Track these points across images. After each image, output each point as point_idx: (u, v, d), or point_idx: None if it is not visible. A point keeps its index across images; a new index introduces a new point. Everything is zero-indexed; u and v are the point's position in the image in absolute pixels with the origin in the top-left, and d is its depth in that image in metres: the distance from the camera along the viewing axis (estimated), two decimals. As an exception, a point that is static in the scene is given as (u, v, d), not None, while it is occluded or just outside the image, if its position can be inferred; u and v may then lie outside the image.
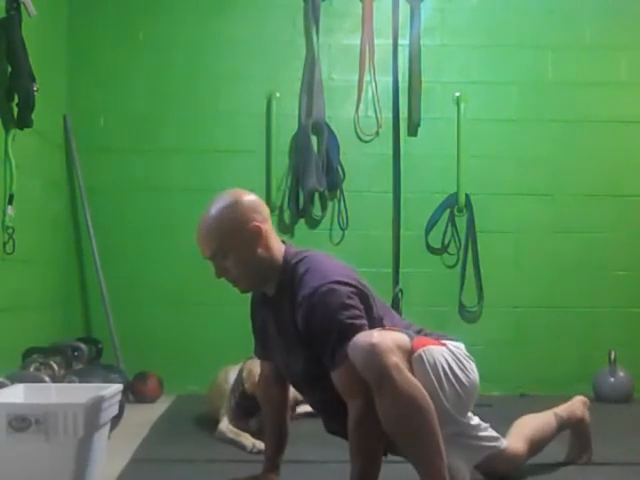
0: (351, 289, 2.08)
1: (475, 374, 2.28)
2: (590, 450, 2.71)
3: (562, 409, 2.67)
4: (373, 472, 2.05)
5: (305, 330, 2.09)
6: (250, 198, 2.22)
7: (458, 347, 2.28)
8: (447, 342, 2.25)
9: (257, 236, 2.15)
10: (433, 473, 1.96)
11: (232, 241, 2.16)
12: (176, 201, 4.50)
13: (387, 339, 1.99)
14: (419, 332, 2.24)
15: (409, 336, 2.11)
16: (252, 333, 2.42)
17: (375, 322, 2.13)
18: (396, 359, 1.96)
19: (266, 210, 2.23)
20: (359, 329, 2.02)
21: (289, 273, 2.16)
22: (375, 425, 2.00)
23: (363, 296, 2.12)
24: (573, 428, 2.70)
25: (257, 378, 2.91)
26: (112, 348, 4.25)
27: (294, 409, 3.35)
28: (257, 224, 2.15)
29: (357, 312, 2.06)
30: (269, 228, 2.20)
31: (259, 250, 2.16)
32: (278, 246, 2.21)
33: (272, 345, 2.32)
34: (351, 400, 2.04)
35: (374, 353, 1.93)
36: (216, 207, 2.20)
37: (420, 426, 1.95)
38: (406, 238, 4.51)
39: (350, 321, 2.03)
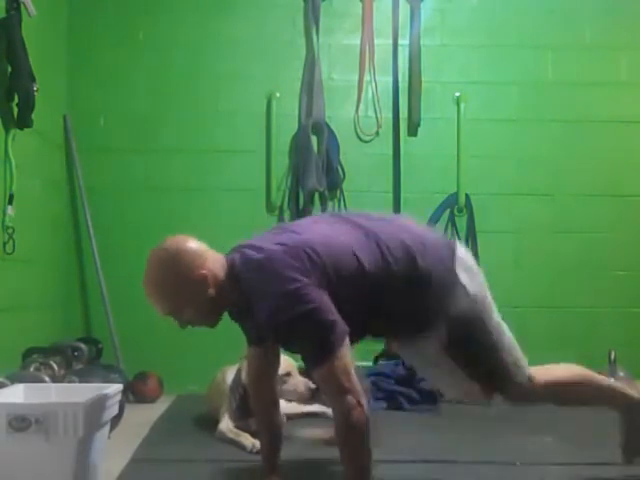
0: (305, 288, 2.06)
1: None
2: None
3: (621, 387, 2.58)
4: (366, 473, 2.07)
5: (282, 341, 2.17)
6: (185, 247, 2.17)
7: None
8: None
9: (204, 282, 2.14)
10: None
11: (183, 297, 2.15)
12: (176, 201, 4.50)
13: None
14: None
15: None
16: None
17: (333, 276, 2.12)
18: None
19: (201, 248, 2.18)
20: (327, 329, 2.04)
21: (238, 285, 2.16)
22: (362, 424, 2.03)
23: (314, 276, 2.09)
24: (625, 413, 2.55)
25: None
26: (112, 348, 4.25)
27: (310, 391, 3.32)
28: (201, 272, 2.13)
29: (320, 310, 2.05)
30: (208, 259, 2.16)
31: (210, 291, 2.15)
32: (221, 269, 2.18)
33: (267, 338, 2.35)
34: (335, 401, 2.06)
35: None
36: (156, 269, 2.16)
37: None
38: (406, 238, 4.50)
39: (319, 326, 2.04)
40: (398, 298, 2.22)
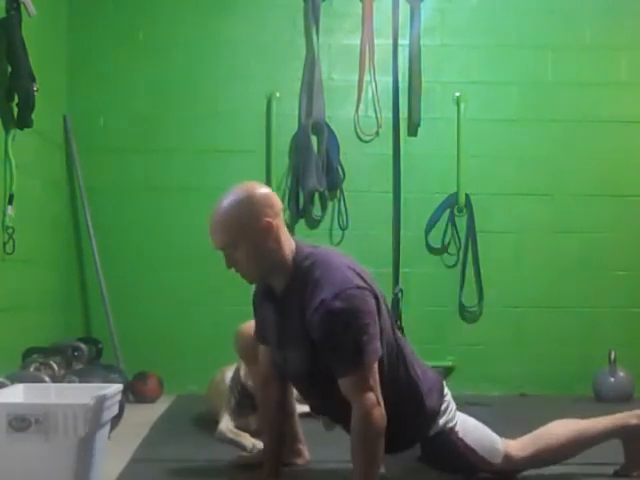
0: (368, 292, 2.10)
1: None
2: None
3: (610, 418, 2.53)
4: (375, 473, 2.07)
5: (317, 334, 2.09)
6: (263, 192, 2.22)
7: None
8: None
9: (268, 231, 2.16)
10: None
11: (243, 234, 2.16)
12: (176, 201, 4.50)
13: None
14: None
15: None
16: (255, 320, 2.43)
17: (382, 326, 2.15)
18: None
19: (278, 205, 2.23)
20: (373, 339, 2.05)
21: (301, 275, 2.16)
22: (381, 419, 2.03)
23: (376, 299, 2.14)
24: (626, 438, 2.53)
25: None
26: (112, 348, 4.25)
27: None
28: (269, 219, 2.16)
29: (373, 318, 2.08)
30: (280, 223, 2.21)
31: (269, 245, 2.17)
32: (289, 243, 2.22)
33: (269, 337, 2.34)
34: (355, 401, 2.05)
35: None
36: (229, 199, 2.19)
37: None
38: (406, 238, 4.50)
39: (367, 330, 2.05)
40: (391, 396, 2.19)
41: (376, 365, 2.07)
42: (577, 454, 2.49)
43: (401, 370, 2.23)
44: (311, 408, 2.54)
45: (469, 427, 2.34)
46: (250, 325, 2.52)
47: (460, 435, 2.29)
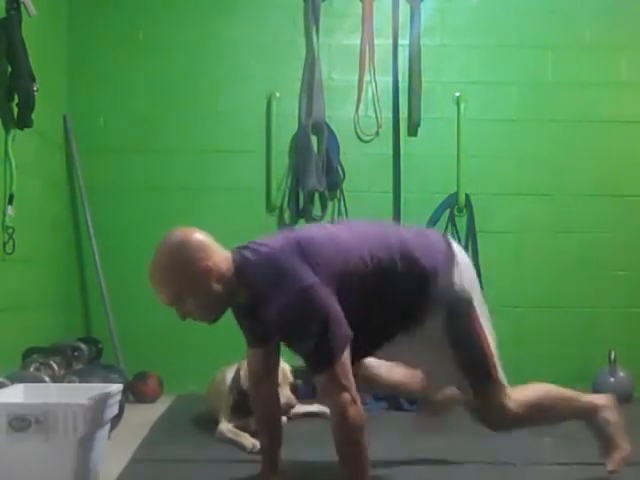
0: (314, 289, 2.09)
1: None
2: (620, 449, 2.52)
3: (586, 396, 2.59)
4: (363, 472, 2.08)
5: (287, 340, 2.17)
6: (191, 238, 2.23)
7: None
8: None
9: (208, 274, 2.17)
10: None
11: (186, 286, 2.18)
12: (176, 201, 4.49)
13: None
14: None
15: None
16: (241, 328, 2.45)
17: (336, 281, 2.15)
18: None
19: (207, 241, 2.23)
20: (335, 332, 2.07)
21: (245, 283, 2.19)
22: (358, 423, 2.04)
23: (322, 275, 2.13)
24: (589, 423, 2.57)
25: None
26: (112, 348, 4.25)
27: (289, 405, 3.34)
28: (205, 264, 2.16)
29: (327, 317, 2.08)
30: (215, 253, 2.20)
31: (214, 285, 2.18)
32: (227, 265, 2.21)
33: (260, 340, 2.38)
34: (331, 401, 2.09)
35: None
36: (162, 258, 2.20)
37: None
38: (406, 238, 4.50)
39: (323, 330, 2.07)
40: (390, 292, 2.25)
41: (348, 358, 2.08)
42: (558, 417, 2.56)
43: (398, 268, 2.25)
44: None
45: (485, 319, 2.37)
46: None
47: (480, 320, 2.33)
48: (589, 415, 2.53)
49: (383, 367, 2.61)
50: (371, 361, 2.56)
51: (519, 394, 2.42)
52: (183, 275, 2.16)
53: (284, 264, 2.14)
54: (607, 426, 2.51)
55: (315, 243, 2.19)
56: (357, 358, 2.27)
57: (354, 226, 2.41)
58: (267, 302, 2.13)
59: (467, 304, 2.32)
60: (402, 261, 2.26)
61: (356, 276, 2.19)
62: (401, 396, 3.56)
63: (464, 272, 2.35)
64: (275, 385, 2.48)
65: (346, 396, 2.05)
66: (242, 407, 3.09)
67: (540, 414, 2.46)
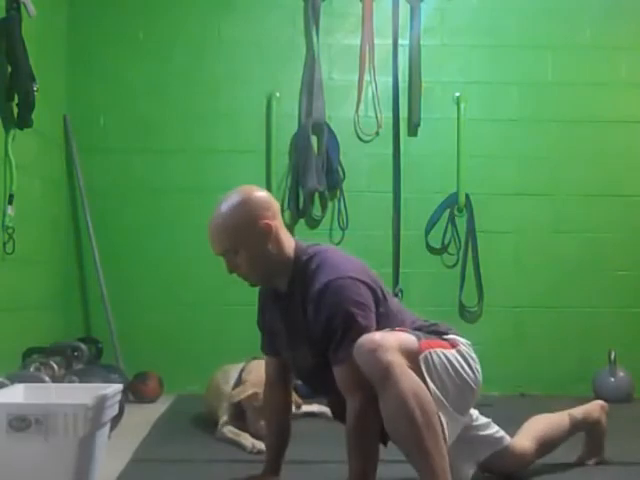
0: (362, 284, 2.11)
1: (479, 374, 2.29)
2: (602, 453, 2.71)
3: (578, 410, 2.66)
4: (371, 470, 2.07)
5: (314, 324, 2.12)
6: (260, 195, 2.24)
7: (466, 346, 2.28)
8: (456, 340, 2.25)
9: (267, 233, 2.17)
10: (435, 472, 1.95)
11: (243, 238, 2.17)
12: (176, 201, 4.50)
13: (391, 340, 2.01)
14: (428, 327, 2.26)
15: (417, 337, 2.12)
16: (259, 329, 2.43)
17: (383, 317, 2.15)
18: (399, 359, 1.98)
19: (276, 206, 2.25)
20: (366, 329, 2.05)
21: (300, 270, 2.19)
22: (374, 422, 2.03)
23: (373, 291, 2.15)
24: (588, 430, 2.70)
25: (248, 389, 2.95)
26: (112, 348, 4.25)
27: (299, 406, 3.36)
28: (267, 221, 2.17)
29: (366, 309, 2.09)
30: (279, 224, 2.22)
31: (269, 247, 2.18)
32: (288, 242, 2.23)
33: (279, 341, 2.34)
34: (350, 396, 2.06)
35: (378, 353, 1.96)
36: (227, 204, 2.21)
37: (423, 426, 1.95)
38: (406, 238, 4.51)
39: (358, 319, 2.06)
40: None
41: None
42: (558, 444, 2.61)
43: None
44: (332, 414, 2.52)
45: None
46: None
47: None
48: (588, 425, 2.66)
49: None
50: None
51: (522, 440, 2.50)
52: (244, 226, 2.16)
53: (336, 258, 2.17)
54: (602, 432, 2.67)
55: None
56: None
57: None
58: (308, 287, 2.12)
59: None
60: None
61: None
62: None
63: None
64: (288, 391, 2.47)
65: (366, 394, 2.03)
66: (239, 416, 3.10)
67: (546, 445, 2.55)
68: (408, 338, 2.09)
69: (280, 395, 2.44)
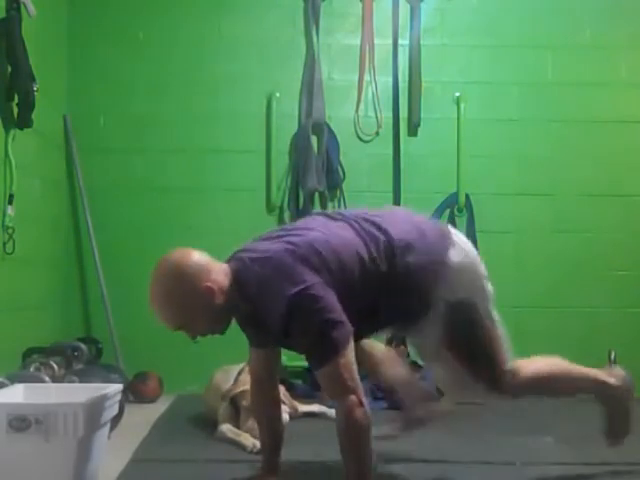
0: (314, 287, 2.09)
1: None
2: (617, 435, 2.59)
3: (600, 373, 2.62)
4: (367, 470, 2.08)
5: (285, 340, 2.17)
6: (188, 260, 2.19)
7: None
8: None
9: (211, 294, 2.15)
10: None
11: (192, 309, 2.17)
12: (176, 201, 4.50)
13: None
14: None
15: None
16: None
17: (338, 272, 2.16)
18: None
19: (205, 258, 2.21)
20: (334, 328, 2.06)
21: (241, 292, 2.18)
22: (364, 422, 2.05)
23: (322, 274, 2.13)
24: (604, 402, 2.59)
25: (240, 386, 2.97)
26: (112, 348, 4.25)
27: (296, 410, 3.37)
28: (207, 284, 2.15)
29: (333, 308, 2.09)
30: (212, 270, 2.18)
31: (217, 302, 2.17)
32: (226, 276, 2.19)
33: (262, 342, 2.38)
34: (338, 399, 2.08)
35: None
36: (162, 284, 2.19)
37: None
38: (406, 238, 4.50)
39: (330, 324, 2.07)
40: (391, 291, 2.25)
41: (351, 354, 2.08)
42: (565, 392, 2.64)
43: (397, 266, 2.25)
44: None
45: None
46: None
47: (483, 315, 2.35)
48: (599, 391, 2.59)
49: (386, 362, 2.63)
50: (377, 353, 2.58)
51: (529, 368, 2.50)
52: (186, 301, 2.15)
53: (281, 267, 2.13)
54: (614, 402, 2.57)
55: (313, 245, 2.18)
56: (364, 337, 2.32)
57: (349, 219, 2.33)
58: (267, 307, 2.12)
59: (467, 306, 2.32)
60: (400, 261, 2.26)
61: (356, 274, 2.19)
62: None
63: (463, 272, 2.34)
64: (276, 386, 2.48)
65: (352, 398, 2.05)
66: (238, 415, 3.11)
67: (548, 384, 2.53)
68: None
69: (268, 392, 2.45)
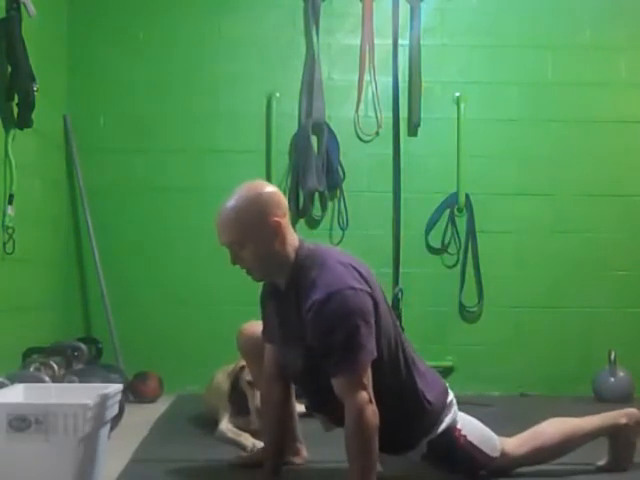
0: (363, 294, 2.10)
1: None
2: (622, 464, 2.56)
3: (600, 417, 2.57)
4: (372, 469, 2.07)
5: (311, 332, 2.11)
6: (271, 191, 2.25)
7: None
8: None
9: (276, 231, 2.18)
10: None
11: (251, 233, 2.18)
12: (176, 201, 4.50)
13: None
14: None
15: None
16: (261, 319, 2.44)
17: (380, 329, 2.15)
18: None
19: (285, 203, 2.26)
20: (367, 342, 2.06)
21: (298, 271, 2.18)
22: (372, 421, 2.04)
23: (373, 299, 2.14)
24: (611, 436, 2.57)
25: (240, 362, 2.94)
26: (112, 348, 4.25)
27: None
28: (277, 219, 2.18)
29: (368, 319, 2.08)
30: (287, 222, 2.23)
31: (276, 244, 2.19)
32: (293, 240, 2.23)
33: (275, 334, 2.35)
34: (348, 398, 2.07)
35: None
36: (239, 197, 2.22)
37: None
38: (406, 238, 4.51)
39: (361, 331, 2.05)
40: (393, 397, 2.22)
41: (369, 365, 2.08)
42: (568, 453, 2.52)
43: (403, 369, 2.24)
44: (308, 407, 2.55)
45: (468, 423, 2.36)
46: (252, 324, 2.54)
47: (462, 432, 2.31)
48: (609, 433, 2.55)
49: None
50: None
51: (517, 443, 2.45)
52: (254, 221, 2.17)
53: (340, 268, 2.14)
54: (626, 431, 2.53)
55: (364, 269, 2.21)
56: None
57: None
58: (306, 292, 2.11)
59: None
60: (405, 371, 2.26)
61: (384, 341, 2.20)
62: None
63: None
64: (287, 386, 2.47)
65: (364, 395, 2.04)
66: (241, 406, 3.09)
67: (545, 451, 2.48)
68: None
69: (278, 390, 2.44)
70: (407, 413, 2.24)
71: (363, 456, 2.06)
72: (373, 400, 2.06)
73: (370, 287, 2.15)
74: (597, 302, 4.57)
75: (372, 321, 2.10)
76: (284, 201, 2.25)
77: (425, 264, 4.56)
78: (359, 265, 2.21)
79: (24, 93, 3.44)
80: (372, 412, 2.04)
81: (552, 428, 2.51)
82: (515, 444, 2.44)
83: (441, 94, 4.61)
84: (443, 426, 2.28)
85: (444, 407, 2.30)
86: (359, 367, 2.05)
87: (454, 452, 2.30)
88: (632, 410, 2.58)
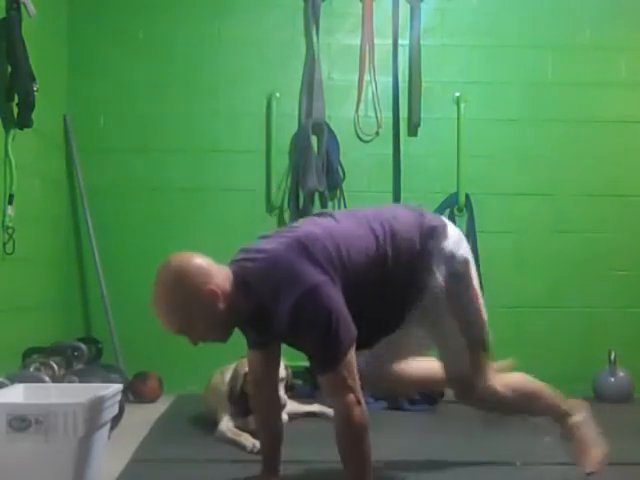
0: (325, 286, 2.09)
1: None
2: (584, 463, 2.52)
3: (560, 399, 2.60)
4: (366, 469, 2.08)
5: (292, 340, 2.18)
6: (192, 263, 2.18)
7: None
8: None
9: (214, 297, 2.13)
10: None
11: (194, 312, 2.14)
12: (176, 201, 4.50)
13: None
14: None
15: None
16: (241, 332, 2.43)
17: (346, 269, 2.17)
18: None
19: (208, 263, 2.19)
20: (341, 330, 2.06)
21: (251, 293, 2.16)
22: (362, 421, 2.06)
23: (332, 269, 2.14)
24: (560, 424, 2.59)
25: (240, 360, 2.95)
26: (112, 348, 4.25)
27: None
28: (209, 287, 2.12)
29: (340, 311, 2.09)
30: (215, 274, 2.16)
31: (221, 306, 2.14)
32: (229, 281, 2.17)
33: (257, 341, 2.38)
34: (336, 399, 2.08)
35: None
36: (165, 285, 2.17)
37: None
38: (406, 238, 4.50)
39: (338, 326, 2.06)
40: (390, 280, 2.26)
41: (353, 357, 2.08)
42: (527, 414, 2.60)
43: (400, 247, 2.28)
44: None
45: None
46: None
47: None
48: (560, 418, 2.57)
49: (404, 369, 2.62)
50: (392, 366, 2.57)
51: (505, 377, 2.53)
52: (188, 304, 2.13)
53: (288, 267, 2.12)
54: (578, 430, 2.54)
55: (317, 240, 2.17)
56: (372, 343, 2.34)
57: (342, 218, 2.35)
58: (274, 308, 2.10)
59: (465, 269, 2.37)
60: (397, 243, 2.28)
61: (360, 265, 2.20)
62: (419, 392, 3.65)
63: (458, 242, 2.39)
64: (275, 386, 2.48)
65: (351, 397, 2.05)
66: (242, 406, 3.09)
67: (519, 401, 2.50)
68: None
69: (268, 391, 2.45)
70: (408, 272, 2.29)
71: (356, 457, 2.08)
72: (361, 400, 2.07)
73: (325, 264, 2.12)
74: (597, 302, 4.57)
75: (341, 303, 2.09)
76: (203, 261, 2.17)
77: (425, 264, 4.55)
78: (308, 241, 2.17)
79: (24, 93, 3.44)
80: (360, 413, 2.06)
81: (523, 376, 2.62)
82: (502, 384, 2.49)
83: (441, 94, 4.61)
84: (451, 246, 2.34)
85: (445, 225, 2.38)
86: (339, 364, 2.05)
87: (465, 297, 2.38)
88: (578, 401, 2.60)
